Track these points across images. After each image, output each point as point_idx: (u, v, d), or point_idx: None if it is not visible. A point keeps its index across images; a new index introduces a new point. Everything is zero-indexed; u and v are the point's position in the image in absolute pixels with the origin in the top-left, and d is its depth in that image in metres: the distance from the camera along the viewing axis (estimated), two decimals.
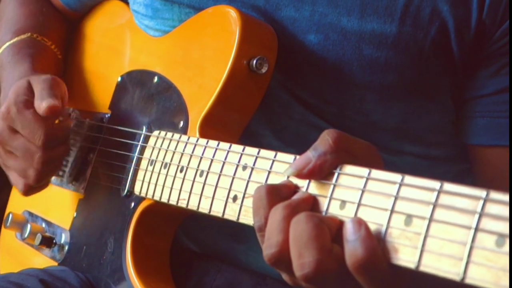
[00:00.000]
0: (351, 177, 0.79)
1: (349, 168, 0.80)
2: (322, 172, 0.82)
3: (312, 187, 0.83)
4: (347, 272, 0.75)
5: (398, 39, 1.05)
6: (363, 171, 0.78)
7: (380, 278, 0.74)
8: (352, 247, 0.74)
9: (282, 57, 1.08)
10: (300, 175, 0.83)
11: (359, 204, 0.77)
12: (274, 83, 1.09)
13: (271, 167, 0.89)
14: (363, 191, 0.77)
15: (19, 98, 1.19)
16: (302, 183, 0.85)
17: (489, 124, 1.08)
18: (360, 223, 0.75)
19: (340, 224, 0.78)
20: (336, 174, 0.81)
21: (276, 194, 0.83)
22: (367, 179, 0.77)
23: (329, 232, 0.76)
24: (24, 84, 1.21)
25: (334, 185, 0.81)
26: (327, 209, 0.81)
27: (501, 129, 1.08)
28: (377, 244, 0.73)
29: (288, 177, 0.86)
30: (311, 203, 0.82)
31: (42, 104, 1.17)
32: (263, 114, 1.11)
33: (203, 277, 1.21)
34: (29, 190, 1.24)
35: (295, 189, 0.85)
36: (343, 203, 0.79)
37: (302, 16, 1.08)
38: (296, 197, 0.83)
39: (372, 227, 0.75)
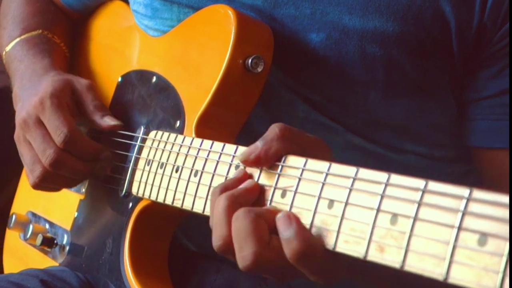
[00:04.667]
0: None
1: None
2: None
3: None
4: (287, 260, 0.78)
5: (401, 37, 1.05)
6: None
7: (318, 265, 0.78)
8: (287, 241, 0.78)
9: (284, 55, 1.08)
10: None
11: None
12: (277, 81, 1.09)
13: None
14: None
15: (56, 93, 1.19)
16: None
17: (489, 127, 1.08)
18: (290, 218, 0.79)
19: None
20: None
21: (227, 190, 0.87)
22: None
23: (267, 225, 0.80)
24: (65, 82, 1.22)
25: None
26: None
27: (501, 131, 1.07)
28: (310, 234, 0.77)
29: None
30: (256, 192, 0.86)
31: (106, 121, 1.20)
32: (266, 112, 1.11)
33: (203, 278, 1.20)
34: (35, 186, 1.22)
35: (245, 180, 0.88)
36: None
37: (302, 14, 1.08)
38: (241, 186, 0.87)
39: (359, 225, 0.74)
